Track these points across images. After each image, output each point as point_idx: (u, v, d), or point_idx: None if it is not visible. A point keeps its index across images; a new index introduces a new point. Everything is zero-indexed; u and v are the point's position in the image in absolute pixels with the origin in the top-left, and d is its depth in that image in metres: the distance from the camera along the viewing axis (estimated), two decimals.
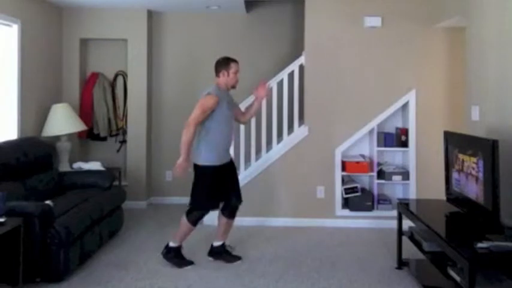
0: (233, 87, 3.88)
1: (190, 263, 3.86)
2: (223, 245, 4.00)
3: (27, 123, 4.89)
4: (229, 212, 3.93)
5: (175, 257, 3.85)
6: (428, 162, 4.96)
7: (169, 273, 3.70)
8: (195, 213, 3.80)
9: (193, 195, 3.80)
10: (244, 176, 5.03)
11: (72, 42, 5.74)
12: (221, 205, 3.93)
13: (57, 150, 5.13)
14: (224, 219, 3.94)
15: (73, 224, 3.57)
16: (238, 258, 3.97)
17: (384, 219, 4.95)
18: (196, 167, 3.78)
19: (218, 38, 5.95)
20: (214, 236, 4.04)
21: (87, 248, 3.83)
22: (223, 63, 3.84)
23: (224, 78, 3.82)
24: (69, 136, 5.30)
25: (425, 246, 3.33)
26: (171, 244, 3.86)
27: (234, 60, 3.87)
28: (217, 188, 3.78)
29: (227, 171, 3.88)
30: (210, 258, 3.97)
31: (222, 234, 3.99)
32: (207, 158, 3.73)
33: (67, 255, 3.47)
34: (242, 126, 4.94)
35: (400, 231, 3.80)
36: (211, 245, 4.02)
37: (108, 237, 4.34)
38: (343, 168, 5.07)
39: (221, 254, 3.97)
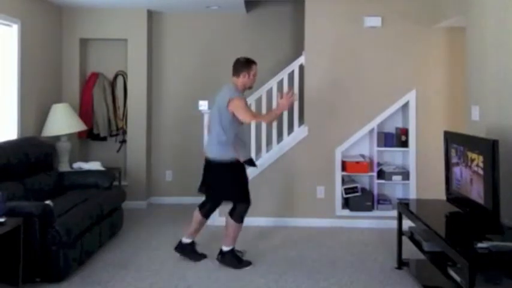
0: (250, 88, 3.97)
1: (249, 263, 3.87)
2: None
3: (27, 123, 4.89)
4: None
5: (233, 259, 3.85)
6: (428, 162, 4.96)
7: (169, 273, 3.70)
8: (239, 208, 3.83)
9: (232, 193, 3.86)
10: None
11: (72, 42, 5.74)
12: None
13: (57, 150, 5.12)
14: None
15: (73, 224, 3.57)
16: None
17: (384, 219, 4.95)
18: (226, 165, 3.79)
19: (218, 38, 5.95)
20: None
21: (87, 248, 3.83)
22: (246, 64, 3.87)
23: (244, 80, 3.86)
24: (69, 136, 5.30)
25: (425, 246, 3.34)
26: (225, 249, 3.87)
27: (255, 62, 3.92)
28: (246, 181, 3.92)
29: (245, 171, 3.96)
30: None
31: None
32: (234, 154, 3.79)
33: (67, 255, 3.47)
34: None
35: (400, 231, 3.80)
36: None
37: (108, 237, 4.34)
38: (343, 168, 5.07)
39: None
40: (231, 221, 3.84)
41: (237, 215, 3.84)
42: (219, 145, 3.80)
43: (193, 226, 4.01)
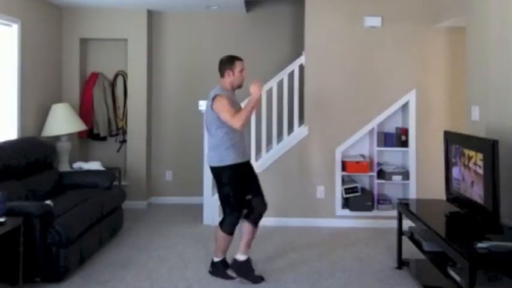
0: (239, 86, 3.68)
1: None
2: (248, 260, 3.62)
3: (27, 123, 4.89)
4: (255, 218, 3.63)
5: (223, 270, 3.62)
6: (428, 162, 4.96)
7: (169, 273, 3.70)
8: (228, 220, 3.55)
9: (223, 201, 3.59)
10: None
11: (72, 42, 5.74)
12: (244, 212, 3.62)
13: (57, 150, 5.12)
14: (249, 227, 3.61)
15: (73, 224, 3.57)
16: (261, 278, 3.60)
17: (384, 219, 4.95)
18: (218, 170, 3.56)
19: (218, 38, 5.95)
20: (236, 249, 3.65)
21: (87, 248, 3.83)
22: (228, 62, 3.64)
23: (229, 78, 3.62)
24: (69, 136, 5.30)
25: (425, 246, 3.33)
26: (216, 259, 3.65)
27: (239, 58, 3.67)
28: (242, 186, 3.59)
29: (247, 172, 3.68)
30: (233, 274, 3.59)
31: (246, 246, 3.62)
32: (226, 157, 3.53)
33: (67, 255, 3.47)
34: None
35: (400, 231, 3.80)
36: (234, 259, 3.61)
37: (108, 237, 4.34)
38: (343, 168, 5.07)
39: (248, 270, 3.60)
40: (221, 233, 3.57)
41: (226, 227, 3.55)
42: (209, 150, 3.65)
43: (244, 238, 3.63)
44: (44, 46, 5.26)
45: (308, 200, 5.06)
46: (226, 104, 3.46)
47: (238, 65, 3.64)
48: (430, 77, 5.04)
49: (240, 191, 3.58)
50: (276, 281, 3.58)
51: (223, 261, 3.67)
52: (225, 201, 3.60)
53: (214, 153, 3.58)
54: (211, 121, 3.58)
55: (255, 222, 3.64)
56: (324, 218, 5.04)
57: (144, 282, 3.53)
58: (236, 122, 3.41)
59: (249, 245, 3.64)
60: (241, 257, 3.60)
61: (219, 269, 3.64)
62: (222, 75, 3.68)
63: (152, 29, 5.99)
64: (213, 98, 3.52)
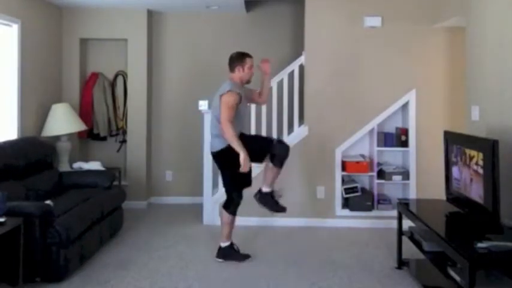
0: (248, 82, 3.93)
1: (247, 256, 3.97)
2: (272, 193, 3.98)
3: (27, 123, 4.89)
4: (279, 161, 3.85)
5: (232, 254, 3.94)
6: (428, 162, 4.96)
7: (169, 273, 3.70)
8: (231, 201, 3.89)
9: (226, 183, 3.93)
10: None
11: (72, 42, 5.74)
12: (267, 158, 3.87)
13: (57, 150, 5.12)
14: (273, 168, 3.87)
15: (73, 224, 3.57)
16: (283, 209, 3.97)
17: (384, 219, 4.95)
18: (218, 154, 3.85)
19: (218, 38, 5.95)
20: (262, 181, 4.00)
21: (87, 248, 3.83)
22: (239, 58, 3.87)
23: (239, 74, 3.86)
24: (69, 136, 5.30)
25: (425, 246, 3.33)
26: (223, 245, 3.95)
27: (249, 55, 3.90)
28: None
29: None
30: (258, 201, 3.98)
31: (271, 182, 3.94)
32: (224, 142, 3.76)
33: (67, 255, 3.47)
34: None
35: (400, 231, 3.80)
36: (259, 189, 3.98)
37: (108, 237, 4.34)
38: (343, 168, 5.07)
39: (268, 200, 3.96)
40: (226, 214, 3.92)
41: (229, 207, 3.90)
42: (213, 137, 3.89)
43: (268, 177, 3.94)
44: (44, 46, 5.26)
45: (308, 200, 5.06)
46: (231, 107, 3.68)
47: (248, 62, 3.88)
48: (430, 77, 5.04)
49: (240, 172, 3.77)
50: (276, 280, 3.58)
51: (231, 246, 3.95)
52: (228, 182, 3.90)
53: (218, 139, 3.82)
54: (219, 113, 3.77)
55: (279, 165, 3.87)
56: (324, 218, 5.04)
57: (144, 282, 3.53)
58: (224, 127, 3.66)
59: (273, 181, 3.94)
60: (266, 188, 3.94)
61: (224, 252, 3.89)
62: (232, 70, 3.90)
63: (152, 29, 5.99)
64: (223, 94, 3.72)
